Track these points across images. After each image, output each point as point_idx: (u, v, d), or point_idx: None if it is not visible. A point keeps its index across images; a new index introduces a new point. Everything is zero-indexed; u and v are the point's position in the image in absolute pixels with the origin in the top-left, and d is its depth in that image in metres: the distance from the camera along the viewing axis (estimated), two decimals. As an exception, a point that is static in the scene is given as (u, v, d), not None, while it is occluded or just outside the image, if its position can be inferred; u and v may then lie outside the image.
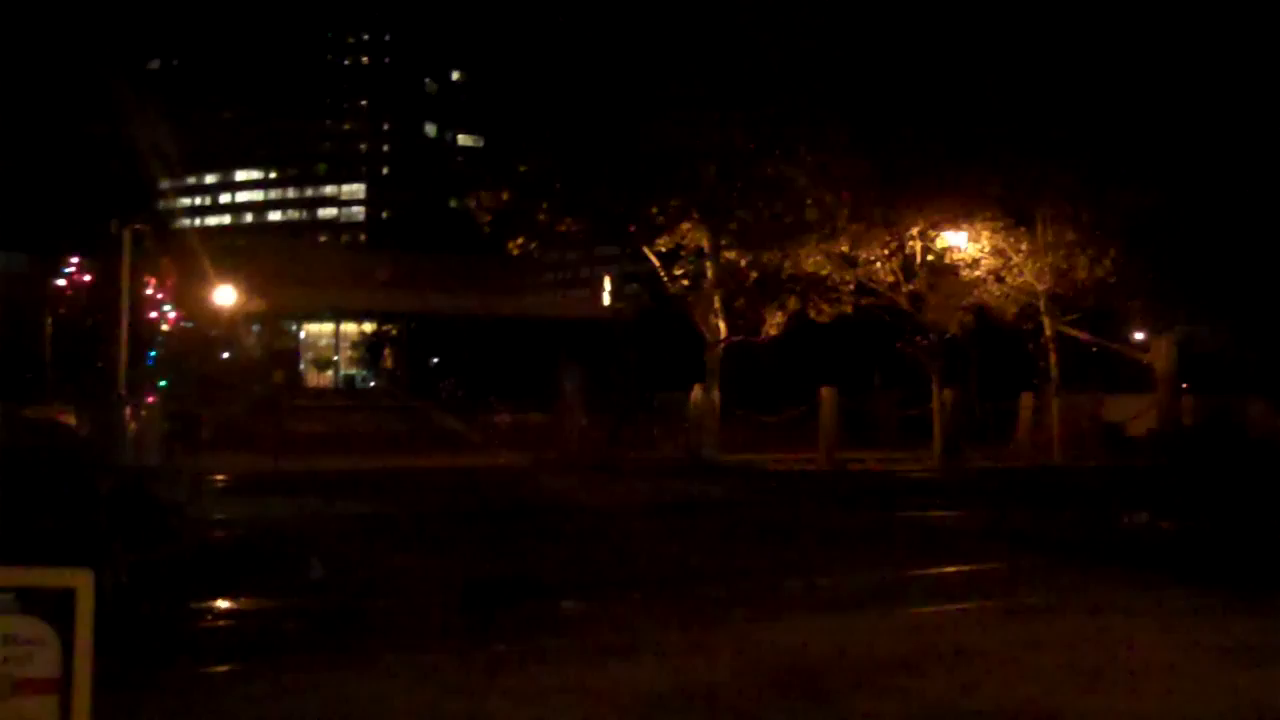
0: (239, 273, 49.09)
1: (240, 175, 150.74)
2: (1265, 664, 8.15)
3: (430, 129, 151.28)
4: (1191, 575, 11.88)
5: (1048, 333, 30.56)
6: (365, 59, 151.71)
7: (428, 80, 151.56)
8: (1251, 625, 9.45)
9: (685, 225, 28.38)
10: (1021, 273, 29.86)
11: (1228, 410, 34.51)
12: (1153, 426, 32.52)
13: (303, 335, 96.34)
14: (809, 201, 27.55)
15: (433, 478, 22.57)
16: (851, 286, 29.65)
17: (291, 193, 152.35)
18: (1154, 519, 16.20)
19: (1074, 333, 31.45)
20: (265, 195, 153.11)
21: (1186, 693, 7.42)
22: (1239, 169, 28.68)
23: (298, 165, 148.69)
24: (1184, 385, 33.97)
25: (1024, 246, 29.60)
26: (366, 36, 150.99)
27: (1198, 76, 28.05)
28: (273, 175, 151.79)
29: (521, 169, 29.10)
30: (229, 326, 53.98)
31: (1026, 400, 33.64)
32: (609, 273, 31.33)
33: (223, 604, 10.32)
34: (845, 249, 28.53)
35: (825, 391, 28.64)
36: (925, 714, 7.00)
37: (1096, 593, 10.92)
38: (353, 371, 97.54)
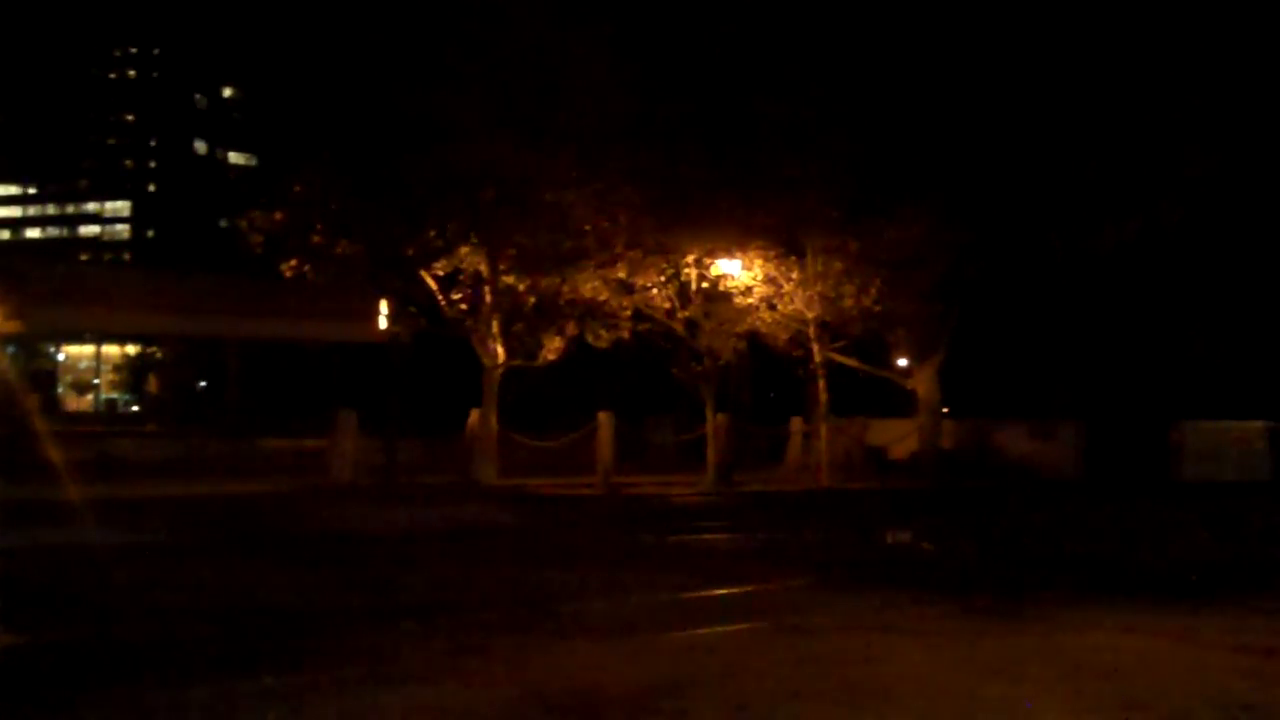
0: (-8, 292, 46.67)
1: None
2: (1016, 677, 8.54)
3: (200, 146, 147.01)
4: (950, 592, 12.35)
5: (817, 359, 31.43)
6: (133, 73, 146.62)
7: (198, 96, 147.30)
8: (1003, 639, 9.91)
9: (464, 249, 28.25)
10: (792, 300, 30.68)
11: (986, 434, 36.10)
12: (915, 450, 33.77)
13: (61, 357, 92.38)
14: (587, 228, 27.74)
15: (199, 505, 21.85)
16: (629, 312, 29.99)
17: (52, 209, 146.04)
18: (915, 539, 16.80)
19: (842, 359, 32.45)
20: (24, 211, 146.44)
21: (946, 707, 7.71)
22: (997, 201, 30.01)
23: (59, 181, 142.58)
24: (945, 410, 35.38)
25: (794, 275, 30.42)
26: (134, 50, 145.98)
27: (956, 110, 29.27)
28: (32, 191, 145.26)
29: (296, 189, 28.52)
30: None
31: (796, 425, 34.57)
32: (386, 296, 30.84)
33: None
34: (623, 275, 28.83)
35: (602, 416, 28.86)
36: (697, 735, 7.10)
37: (862, 611, 11.26)
38: (115, 395, 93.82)
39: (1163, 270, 33.83)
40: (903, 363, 34.43)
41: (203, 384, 65.11)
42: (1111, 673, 8.67)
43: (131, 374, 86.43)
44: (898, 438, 35.35)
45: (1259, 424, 32.87)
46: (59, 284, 36.09)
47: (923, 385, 33.07)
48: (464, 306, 29.06)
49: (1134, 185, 28.98)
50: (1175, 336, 35.79)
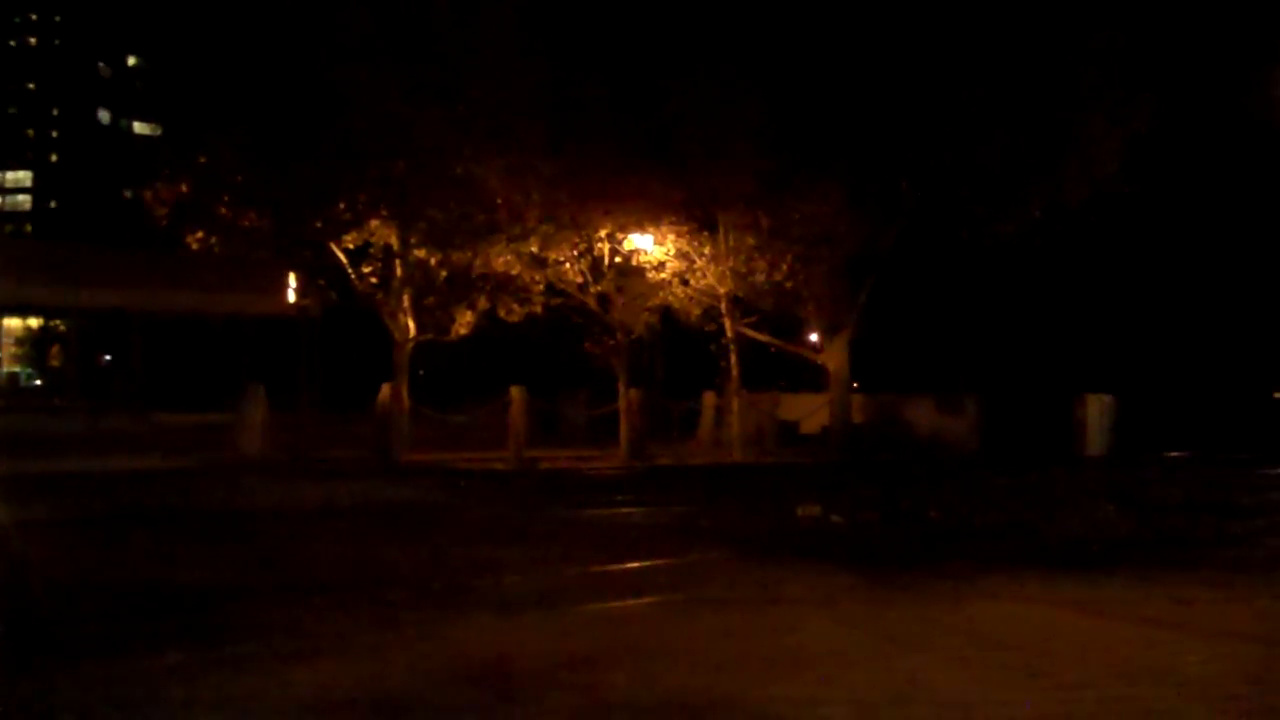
0: (-114, 263, 45.45)
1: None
2: (923, 647, 8.66)
3: (104, 115, 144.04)
4: (861, 564, 12.49)
5: (729, 334, 31.59)
6: (33, 40, 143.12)
7: (101, 64, 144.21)
8: (911, 611, 10.04)
9: (374, 222, 27.95)
10: (705, 276, 30.79)
11: (895, 409, 36.54)
12: (826, 424, 34.09)
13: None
14: (499, 201, 27.57)
15: (103, 481, 21.46)
16: (541, 287, 29.91)
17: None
18: (826, 512, 16.93)
19: (754, 334, 32.63)
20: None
21: (855, 677, 7.80)
22: (904, 180, 30.32)
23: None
24: (855, 385, 35.74)
25: (707, 250, 30.53)
26: (35, 17, 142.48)
27: (864, 88, 29.47)
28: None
29: (201, 160, 28.01)
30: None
31: (709, 399, 34.76)
32: (295, 269, 30.47)
33: None
34: (535, 249, 28.72)
35: (515, 391, 28.78)
36: (608, 706, 7.12)
37: (774, 583, 11.36)
38: (16, 369, 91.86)
39: (1069, 249, 34.38)
40: (814, 338, 34.70)
41: (108, 358, 63.98)
42: (1017, 643, 8.82)
43: (34, 348, 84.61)
44: (809, 412, 35.67)
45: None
46: (-43, 255, 35.25)
47: (833, 360, 33.36)
48: (374, 280, 28.78)
49: (1039, 164, 29.33)
50: (1079, 313, 36.44)
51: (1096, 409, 33.61)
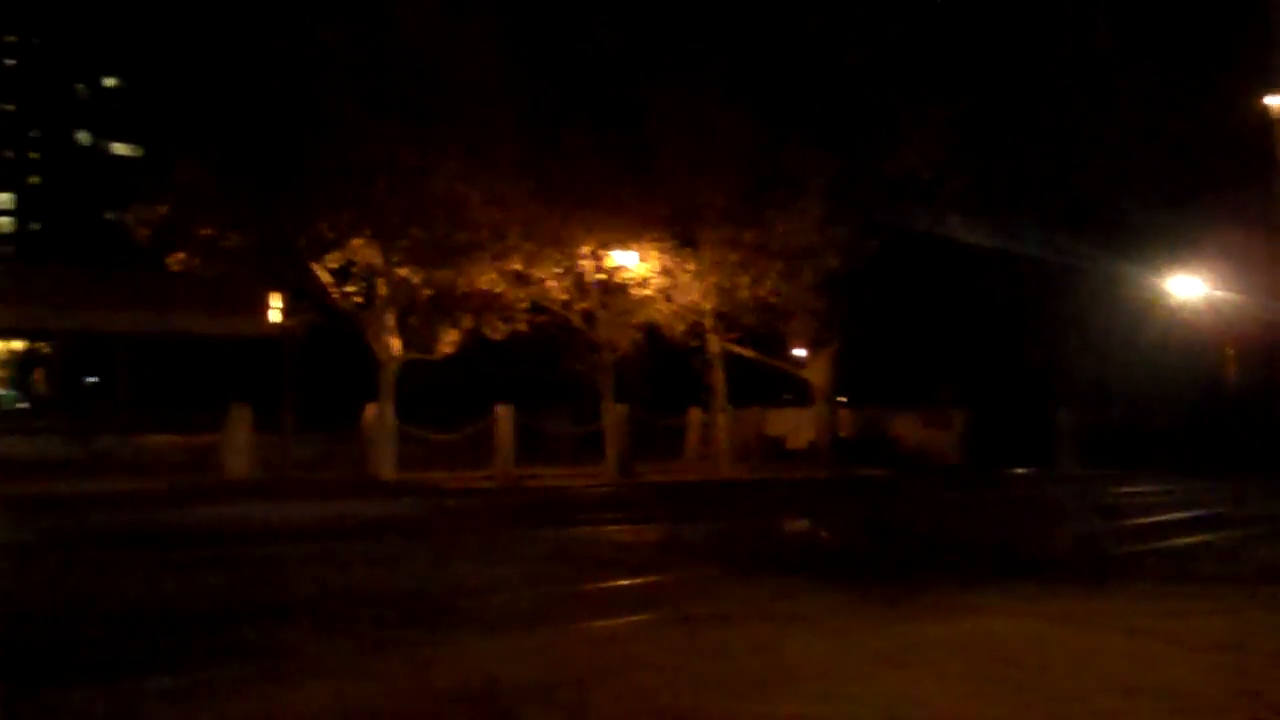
0: None
1: None
2: (914, 663, 8.65)
3: (83, 136, 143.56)
4: (848, 580, 12.49)
5: (714, 350, 31.63)
6: (12, 61, 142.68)
7: (79, 85, 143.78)
8: (900, 627, 10.04)
9: (357, 241, 27.88)
10: (688, 292, 30.81)
11: (881, 423, 36.61)
12: (812, 439, 34.14)
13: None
14: (481, 220, 27.54)
15: (89, 503, 21.33)
16: (525, 304, 29.85)
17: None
18: (813, 528, 16.96)
19: (738, 350, 32.67)
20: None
21: (846, 694, 7.78)
22: (881, 196, 30.49)
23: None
24: (841, 399, 35.80)
25: (690, 266, 30.55)
26: (13, 38, 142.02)
27: (836, 106, 29.67)
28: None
29: (180, 181, 27.91)
30: None
31: (694, 415, 34.79)
32: (278, 289, 30.35)
33: None
34: (518, 267, 28.70)
35: (500, 409, 28.75)
36: (598, 727, 7.11)
37: (762, 600, 11.35)
38: (1, 391, 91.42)
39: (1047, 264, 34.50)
40: (799, 353, 34.74)
41: (92, 380, 63.65)
42: (1005, 658, 8.82)
43: (18, 370, 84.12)
44: (795, 427, 35.73)
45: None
46: (-61, 278, 35.09)
47: (818, 375, 33.42)
48: (358, 299, 28.70)
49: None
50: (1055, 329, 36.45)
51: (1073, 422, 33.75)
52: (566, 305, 30.47)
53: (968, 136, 29.77)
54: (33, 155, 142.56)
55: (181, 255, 27.90)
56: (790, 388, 36.95)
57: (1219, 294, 31.72)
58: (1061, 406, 34.34)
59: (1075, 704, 7.56)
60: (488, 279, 28.55)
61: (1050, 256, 31.96)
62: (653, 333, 32.45)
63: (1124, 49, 29.65)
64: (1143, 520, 18.40)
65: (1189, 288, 32.25)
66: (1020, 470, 29.91)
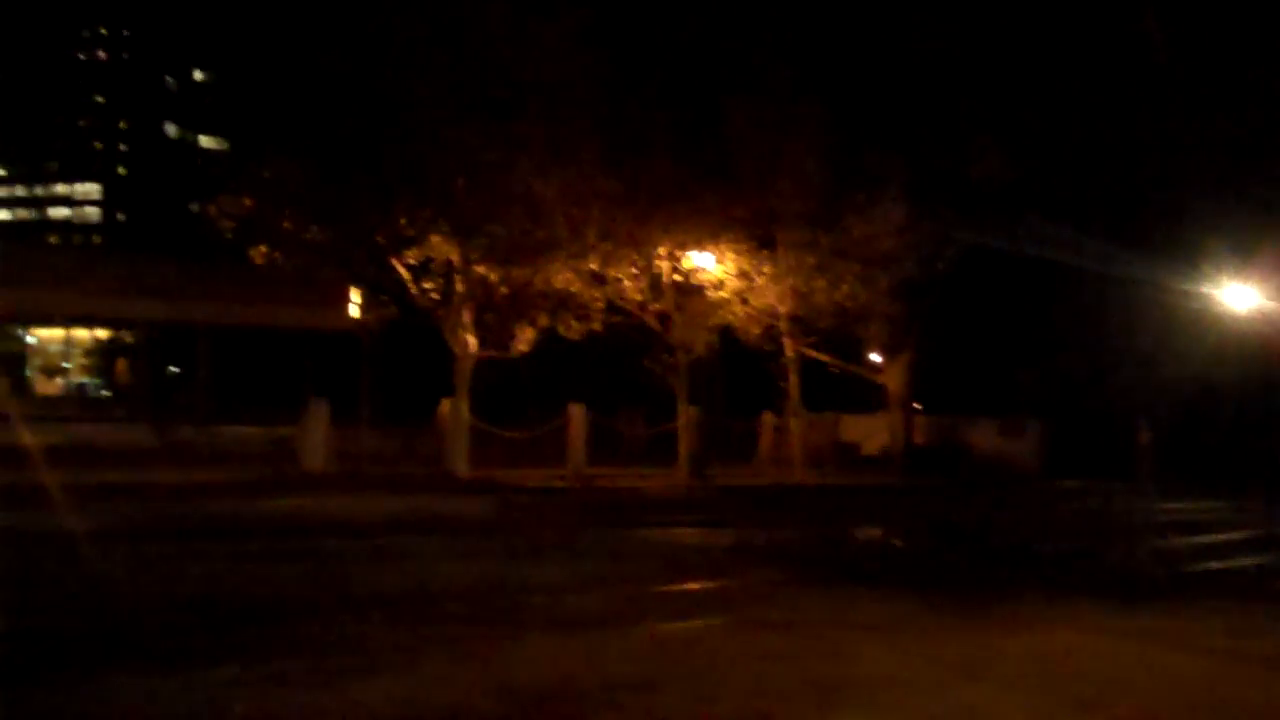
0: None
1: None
2: (983, 676, 8.59)
3: (171, 129, 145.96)
4: (919, 589, 12.40)
5: (789, 354, 31.50)
6: (102, 54, 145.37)
7: (169, 78, 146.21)
8: (970, 638, 9.96)
9: (435, 238, 28.08)
10: (764, 295, 30.72)
11: (956, 431, 36.29)
12: (886, 445, 33.92)
13: (31, 341, 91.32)
14: (559, 218, 27.65)
15: (168, 493, 21.68)
16: (601, 304, 29.87)
17: (21, 191, 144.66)
18: (885, 535, 16.85)
19: (814, 354, 32.51)
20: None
21: (914, 706, 7.74)
22: (964, 201, 30.21)
23: (28, 163, 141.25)
24: (916, 406, 35.53)
25: (767, 269, 30.47)
26: (104, 31, 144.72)
27: (926, 109, 29.45)
28: (0, 173, 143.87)
29: (265, 175, 28.28)
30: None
31: (768, 419, 34.65)
32: (358, 284, 30.69)
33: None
34: (595, 267, 28.75)
35: (574, 408, 28.84)
36: (665, 730, 7.12)
37: (832, 607, 11.31)
38: (85, 380, 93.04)
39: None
40: (875, 358, 34.52)
41: (174, 370, 64.65)
42: (1076, 673, 8.73)
43: (102, 358, 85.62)
44: (869, 433, 35.53)
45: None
46: (28, 267, 35.78)
47: (894, 381, 33.20)
48: (435, 296, 28.89)
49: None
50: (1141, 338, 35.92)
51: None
52: (642, 306, 30.49)
53: (1041, 146, 29.49)
54: (121, 147, 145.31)
55: (264, 248, 28.26)
56: (866, 394, 36.72)
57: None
58: (1143, 419, 33.82)
59: (1147, 723, 7.47)
60: (564, 278, 28.63)
61: (1117, 270, 31.54)
62: (727, 335, 32.38)
63: (1184, 59, 29.15)
64: (1218, 537, 18.09)
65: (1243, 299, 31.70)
66: (1097, 482, 29.49)
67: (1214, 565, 15.23)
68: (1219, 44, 29.55)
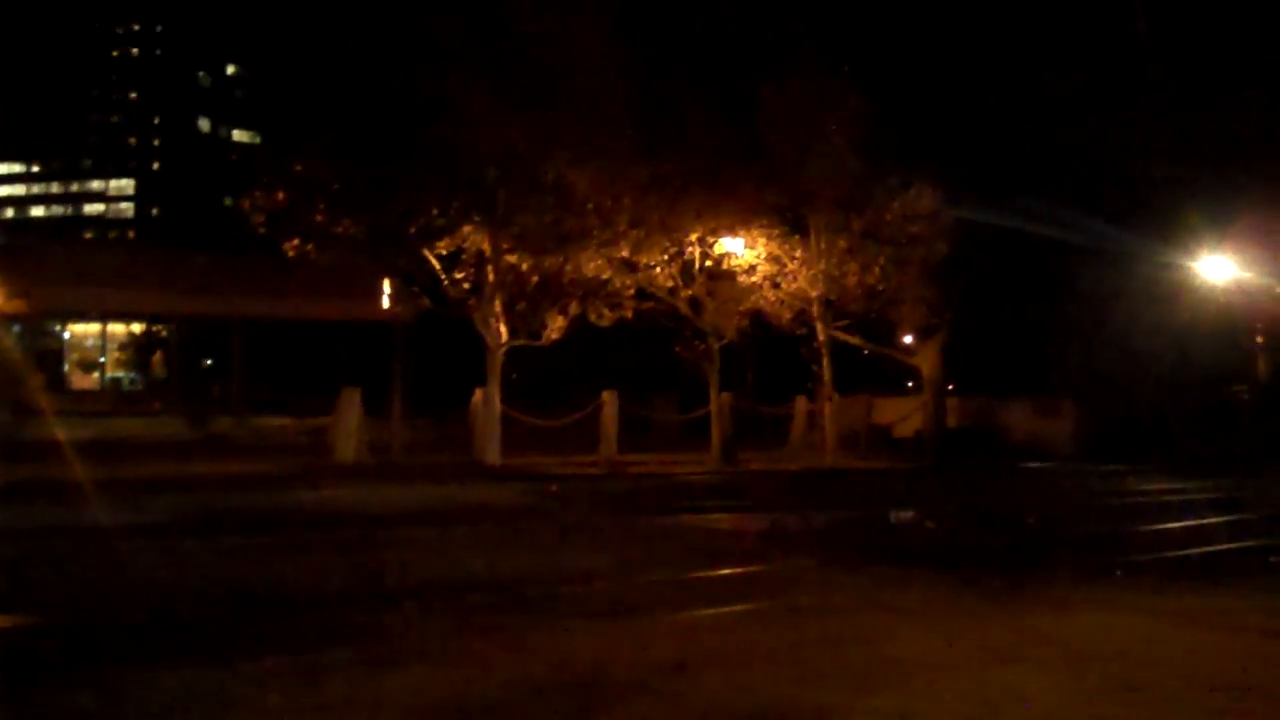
0: (-3, 271, 46.57)
1: (0, 169, 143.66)
2: (1019, 658, 8.55)
3: (204, 124, 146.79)
4: (954, 572, 12.35)
5: (821, 337, 31.40)
6: (135, 50, 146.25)
7: (201, 73, 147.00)
8: (1006, 620, 9.92)
9: (466, 228, 28.13)
10: (796, 279, 30.63)
11: (990, 412, 36.10)
12: (919, 428, 33.79)
13: (67, 336, 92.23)
14: (590, 206, 27.64)
15: (203, 484, 21.82)
16: (632, 291, 29.86)
17: (56, 187, 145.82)
18: (920, 518, 16.80)
19: (846, 337, 32.40)
20: (27, 189, 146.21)
21: (951, 689, 7.71)
22: (995, 184, 30.04)
23: (62, 159, 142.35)
24: (950, 387, 35.36)
25: (798, 254, 30.39)
26: (137, 27, 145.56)
27: (957, 91, 29.31)
28: (35, 169, 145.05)
29: (297, 169, 28.38)
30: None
31: (800, 403, 34.59)
32: (389, 275, 30.82)
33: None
34: (626, 254, 28.73)
35: (606, 395, 28.86)
36: (700, 715, 7.11)
37: (867, 591, 11.27)
38: (120, 374, 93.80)
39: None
40: (907, 341, 34.38)
41: (208, 363, 65.16)
42: (1113, 654, 8.68)
43: (137, 352, 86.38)
44: (903, 416, 35.39)
45: None
46: (64, 262, 36.11)
47: (927, 363, 33.04)
48: (467, 286, 28.93)
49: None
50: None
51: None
52: (673, 292, 30.46)
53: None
54: (154, 142, 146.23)
55: (296, 241, 28.35)
56: (899, 376, 36.57)
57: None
58: (1174, 399, 33.61)
59: (1181, 703, 7.41)
60: (595, 265, 28.63)
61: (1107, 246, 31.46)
62: (759, 320, 32.30)
63: (1162, 38, 28.96)
64: (1251, 516, 17.95)
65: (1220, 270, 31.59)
66: (1133, 464, 29.29)
67: (1253, 544, 15.11)
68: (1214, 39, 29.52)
